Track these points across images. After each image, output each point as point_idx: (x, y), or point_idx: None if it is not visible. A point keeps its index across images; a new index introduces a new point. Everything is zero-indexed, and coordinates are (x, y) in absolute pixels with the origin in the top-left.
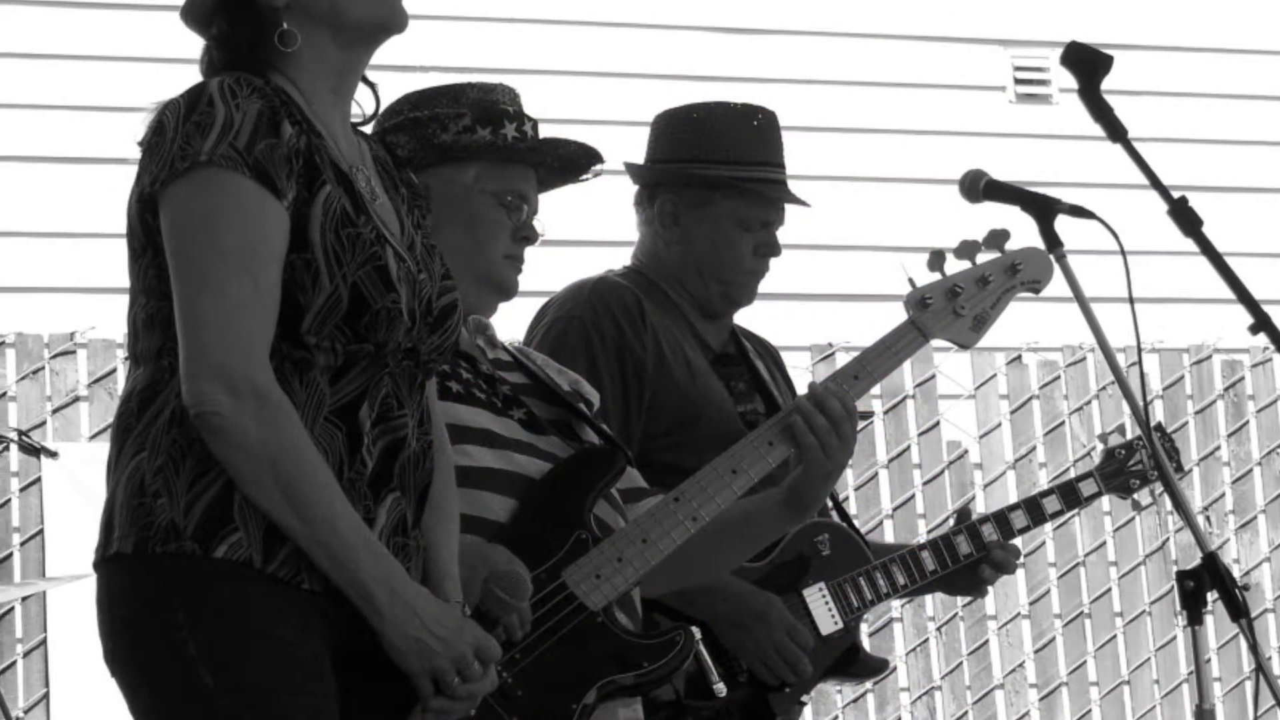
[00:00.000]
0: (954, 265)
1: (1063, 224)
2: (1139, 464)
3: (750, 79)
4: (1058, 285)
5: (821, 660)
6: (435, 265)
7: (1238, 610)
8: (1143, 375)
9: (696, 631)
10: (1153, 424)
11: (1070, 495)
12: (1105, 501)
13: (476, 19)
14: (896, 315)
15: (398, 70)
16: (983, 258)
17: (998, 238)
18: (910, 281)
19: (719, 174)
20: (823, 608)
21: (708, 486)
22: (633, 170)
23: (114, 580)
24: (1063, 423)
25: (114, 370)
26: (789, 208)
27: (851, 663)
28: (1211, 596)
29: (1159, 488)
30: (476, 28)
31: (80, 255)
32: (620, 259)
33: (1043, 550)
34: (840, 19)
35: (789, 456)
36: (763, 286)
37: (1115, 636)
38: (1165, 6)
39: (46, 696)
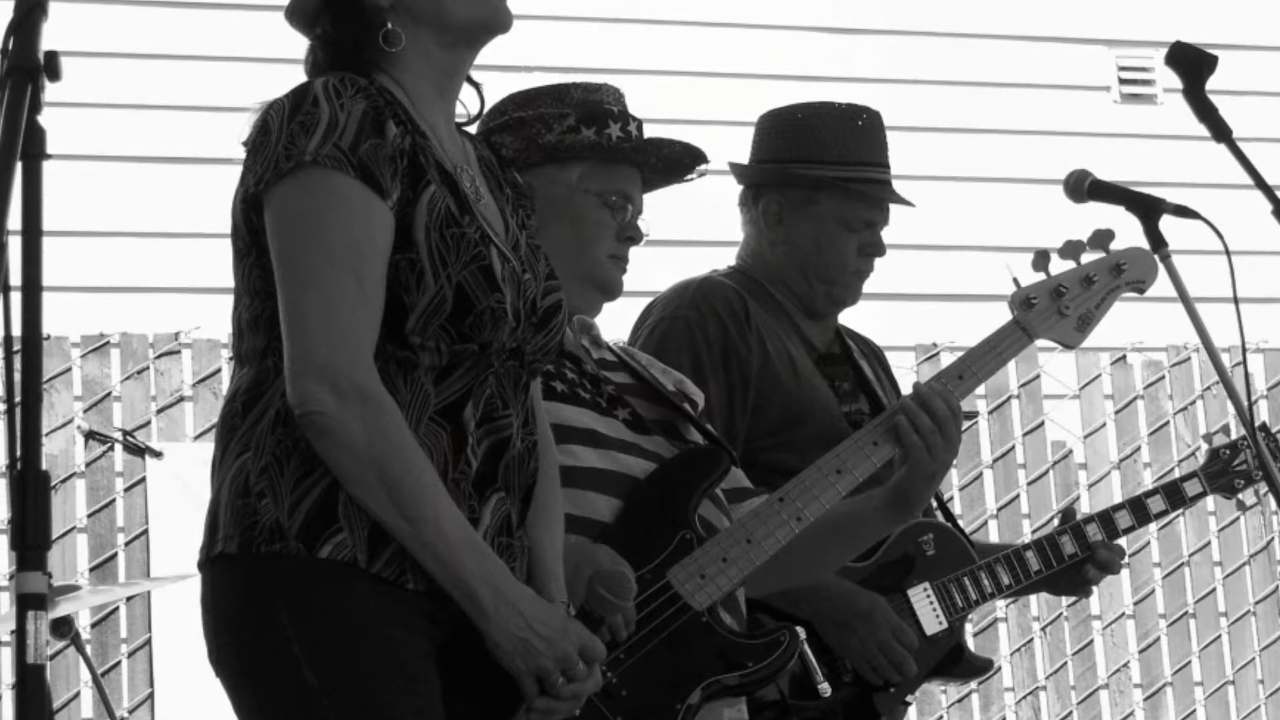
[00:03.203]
0: (1059, 265)
1: (1167, 224)
2: (1243, 464)
3: (855, 79)
4: (1162, 285)
5: (926, 660)
6: (540, 265)
7: None
8: (1247, 375)
9: (801, 631)
10: (1257, 424)
11: (1175, 495)
12: (1210, 501)
13: (581, 19)
14: (1001, 315)
15: (502, 70)
16: (1087, 258)
17: (1102, 238)
18: (1015, 281)
19: (823, 174)
20: (927, 608)
21: (812, 486)
22: (737, 170)
23: (219, 580)
24: (1167, 423)
25: (219, 370)
26: (894, 208)
27: (956, 663)
28: None
29: (1263, 488)
30: (581, 28)
31: (185, 255)
32: (725, 259)
33: (1147, 550)
34: (944, 19)
35: (894, 456)
36: (867, 286)
37: (1220, 636)
38: (1270, 6)
39: (151, 697)
